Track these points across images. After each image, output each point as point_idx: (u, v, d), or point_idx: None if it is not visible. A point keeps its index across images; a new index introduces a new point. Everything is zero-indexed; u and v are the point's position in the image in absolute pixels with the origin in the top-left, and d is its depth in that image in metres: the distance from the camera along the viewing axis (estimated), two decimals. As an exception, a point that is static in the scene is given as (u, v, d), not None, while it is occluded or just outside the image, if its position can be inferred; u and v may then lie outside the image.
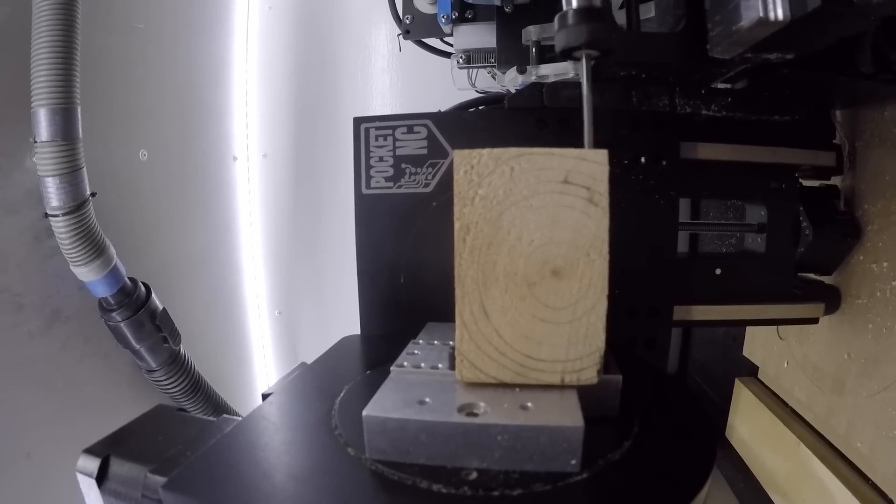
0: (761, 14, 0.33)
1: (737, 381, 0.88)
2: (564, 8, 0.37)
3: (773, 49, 0.41)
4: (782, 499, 0.73)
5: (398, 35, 0.88)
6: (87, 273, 0.81)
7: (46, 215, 0.77)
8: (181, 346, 1.00)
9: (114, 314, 0.87)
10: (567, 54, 0.38)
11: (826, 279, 0.67)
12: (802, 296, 0.63)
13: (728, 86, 0.57)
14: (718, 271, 0.59)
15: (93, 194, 0.81)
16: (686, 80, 0.53)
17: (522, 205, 0.31)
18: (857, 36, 0.44)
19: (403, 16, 0.86)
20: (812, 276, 0.67)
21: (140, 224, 1.09)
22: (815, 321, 0.63)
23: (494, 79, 0.90)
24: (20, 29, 0.74)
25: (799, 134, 0.58)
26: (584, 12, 0.36)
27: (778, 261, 0.60)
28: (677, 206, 0.55)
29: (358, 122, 0.55)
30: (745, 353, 0.88)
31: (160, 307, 0.94)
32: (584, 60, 0.38)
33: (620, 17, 0.50)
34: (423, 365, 0.34)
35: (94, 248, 0.80)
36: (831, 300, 0.64)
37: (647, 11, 0.52)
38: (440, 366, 0.34)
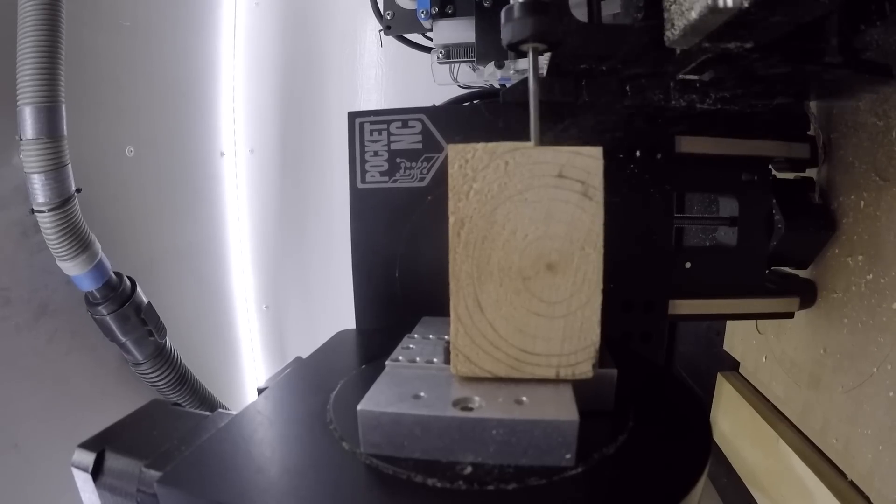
0: (710, 1, 0.32)
1: (719, 376, 0.87)
2: (511, 2, 0.37)
3: (731, 38, 0.40)
4: (762, 495, 0.73)
5: (379, 31, 0.88)
6: (72, 267, 0.81)
7: (33, 211, 0.78)
8: (167, 339, 1.00)
9: (100, 308, 0.88)
10: (515, 48, 0.37)
11: (802, 273, 0.66)
12: (777, 290, 0.62)
13: (695, 77, 0.56)
14: (688, 265, 0.59)
15: (78, 190, 0.81)
16: (650, 72, 0.52)
17: (517, 199, 0.31)
18: (821, 25, 0.43)
19: (384, 12, 0.85)
20: (788, 269, 0.67)
21: (128, 219, 1.09)
22: (790, 315, 0.62)
23: (475, 72, 0.90)
24: (6, 28, 0.73)
25: (772, 125, 0.58)
26: (529, 5, 0.36)
27: (749, 254, 0.59)
28: (672, 199, 0.55)
29: (352, 116, 0.54)
30: (726, 347, 0.88)
31: (145, 301, 0.95)
32: (530, 54, 0.37)
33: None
34: (418, 359, 0.34)
35: (79, 242, 0.81)
36: (807, 294, 0.63)
37: (616, 7, 0.52)
38: (435, 360, 0.34)
